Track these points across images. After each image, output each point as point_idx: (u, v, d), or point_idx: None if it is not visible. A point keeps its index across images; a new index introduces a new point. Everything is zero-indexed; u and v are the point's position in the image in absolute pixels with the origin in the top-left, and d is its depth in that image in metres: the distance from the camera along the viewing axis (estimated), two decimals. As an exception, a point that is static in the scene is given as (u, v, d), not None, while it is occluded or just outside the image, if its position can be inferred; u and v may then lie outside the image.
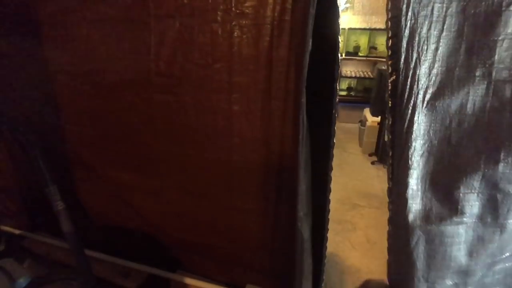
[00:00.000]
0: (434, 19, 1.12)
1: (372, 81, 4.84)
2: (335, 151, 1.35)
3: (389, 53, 1.19)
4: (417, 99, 1.21)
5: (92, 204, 2.08)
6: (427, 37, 1.14)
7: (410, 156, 1.27)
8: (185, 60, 1.45)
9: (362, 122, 4.27)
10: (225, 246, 1.79)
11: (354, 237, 2.50)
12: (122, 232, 2.02)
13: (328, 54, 1.23)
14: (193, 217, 1.79)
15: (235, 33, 1.35)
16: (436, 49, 1.16)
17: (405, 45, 1.15)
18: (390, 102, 1.27)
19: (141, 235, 1.96)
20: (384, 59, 1.36)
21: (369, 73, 5.25)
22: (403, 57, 1.16)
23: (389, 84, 1.23)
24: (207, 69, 1.43)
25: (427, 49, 1.15)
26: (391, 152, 1.33)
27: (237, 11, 1.32)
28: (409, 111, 1.22)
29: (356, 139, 4.44)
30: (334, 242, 2.40)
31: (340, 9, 5.22)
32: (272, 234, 1.65)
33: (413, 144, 1.25)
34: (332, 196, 1.42)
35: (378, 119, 3.85)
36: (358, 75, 5.19)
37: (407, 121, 1.23)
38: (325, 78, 1.24)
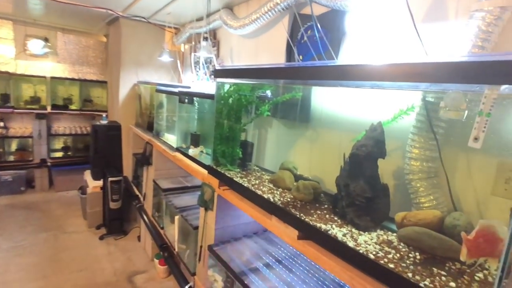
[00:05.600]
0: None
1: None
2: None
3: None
4: None
5: None
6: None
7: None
8: None
9: (83, 188, 3.51)
10: None
11: None
12: None
13: None
14: None
15: None
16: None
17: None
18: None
19: None
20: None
21: (88, 128, 4.60)
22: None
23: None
24: None
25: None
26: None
27: None
28: None
29: (80, 210, 3.59)
30: None
31: (38, 54, 4.30)
32: None
33: None
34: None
35: (101, 183, 3.27)
36: (73, 132, 4.38)
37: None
38: None
